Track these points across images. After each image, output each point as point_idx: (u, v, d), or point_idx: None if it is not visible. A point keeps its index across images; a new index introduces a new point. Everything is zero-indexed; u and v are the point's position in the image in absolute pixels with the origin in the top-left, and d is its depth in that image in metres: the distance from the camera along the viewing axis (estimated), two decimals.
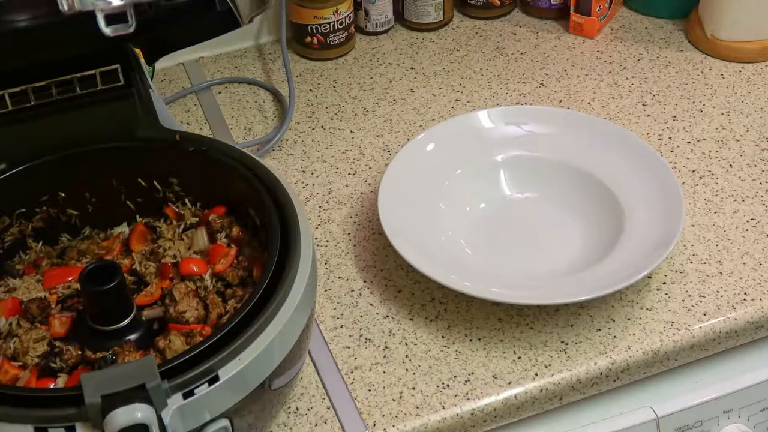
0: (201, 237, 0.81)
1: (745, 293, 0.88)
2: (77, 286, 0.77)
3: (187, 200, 0.84)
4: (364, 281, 0.91)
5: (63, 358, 0.71)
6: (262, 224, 0.78)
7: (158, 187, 0.84)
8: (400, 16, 1.27)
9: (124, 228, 0.85)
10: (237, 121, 1.12)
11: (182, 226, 0.83)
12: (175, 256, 0.80)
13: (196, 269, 0.78)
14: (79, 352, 0.71)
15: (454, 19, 1.28)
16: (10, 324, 0.74)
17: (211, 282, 0.77)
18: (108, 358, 0.70)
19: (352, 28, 1.22)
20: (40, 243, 0.83)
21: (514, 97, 1.14)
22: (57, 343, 0.72)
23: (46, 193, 0.82)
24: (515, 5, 1.29)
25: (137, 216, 0.85)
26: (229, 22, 0.87)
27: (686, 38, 1.23)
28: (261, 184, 0.77)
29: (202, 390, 0.63)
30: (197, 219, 0.83)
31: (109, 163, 0.82)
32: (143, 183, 0.83)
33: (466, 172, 0.98)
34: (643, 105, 1.12)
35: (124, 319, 0.72)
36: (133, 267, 0.79)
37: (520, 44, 1.23)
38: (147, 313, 0.75)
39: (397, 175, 0.95)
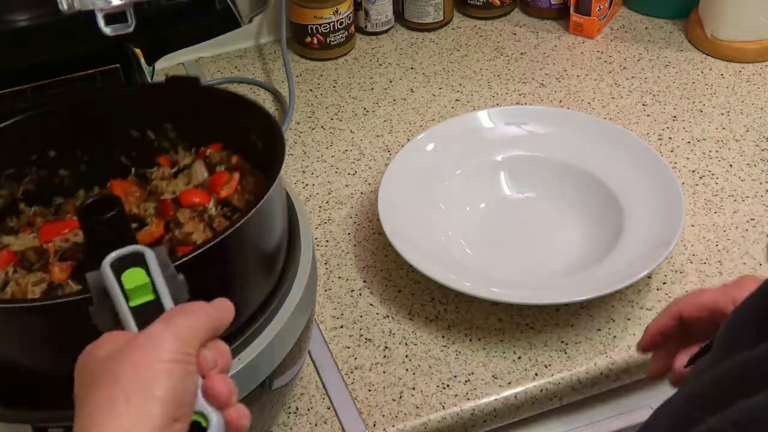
0: (200, 170, 0.78)
1: None
2: (76, 239, 0.74)
3: (180, 148, 0.81)
4: (364, 281, 0.91)
5: (65, 293, 0.67)
6: (265, 147, 0.74)
7: (151, 136, 0.80)
8: (400, 16, 1.27)
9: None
10: None
11: (176, 169, 0.79)
12: (174, 192, 0.77)
13: (198, 200, 0.74)
14: (80, 287, 0.68)
15: (454, 19, 1.28)
16: (6, 273, 0.71)
17: (216, 209, 0.74)
18: None
19: (352, 28, 1.22)
20: (33, 207, 0.78)
21: (514, 97, 1.14)
22: (57, 282, 0.69)
23: (34, 152, 0.77)
24: (515, 5, 1.30)
25: (133, 170, 0.81)
26: (229, 21, 0.87)
27: (686, 38, 1.23)
28: (260, 108, 0.74)
29: None
30: (186, 164, 0.80)
31: (98, 114, 0.78)
32: (136, 133, 0.80)
33: (466, 172, 0.98)
34: (643, 105, 1.12)
35: None
36: (131, 212, 0.75)
37: (520, 44, 1.23)
38: None
39: (397, 175, 0.95)
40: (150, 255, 0.56)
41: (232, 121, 0.77)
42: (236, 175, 0.76)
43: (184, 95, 0.78)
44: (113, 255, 0.56)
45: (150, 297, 0.54)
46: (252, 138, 0.76)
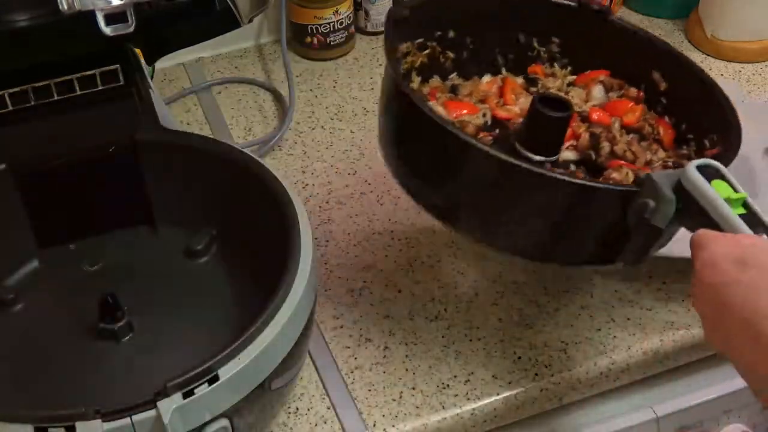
0: (599, 91, 0.83)
1: None
2: (477, 121, 0.80)
3: (556, 64, 0.87)
4: (364, 281, 0.91)
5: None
6: (670, 88, 0.82)
7: (535, 45, 0.86)
8: None
9: (488, 79, 0.87)
10: (237, 121, 1.12)
11: (566, 82, 0.85)
12: (579, 105, 0.82)
13: (598, 117, 0.80)
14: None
15: None
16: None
17: (620, 132, 0.79)
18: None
19: (352, 28, 1.22)
20: (420, 79, 0.84)
21: None
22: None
23: (439, 29, 0.84)
24: None
25: (503, 70, 0.87)
26: (229, 21, 0.87)
27: (686, 38, 1.23)
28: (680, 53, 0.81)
29: (202, 390, 0.63)
30: (570, 81, 0.86)
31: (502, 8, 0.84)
32: (522, 39, 0.86)
33: None
34: None
35: (556, 154, 0.74)
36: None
37: None
38: (563, 155, 0.77)
39: None
40: (726, 171, 0.60)
41: (634, 55, 0.83)
42: (640, 107, 0.82)
43: (586, 18, 0.84)
44: (696, 163, 0.62)
45: (742, 210, 0.59)
46: (654, 76, 0.83)
